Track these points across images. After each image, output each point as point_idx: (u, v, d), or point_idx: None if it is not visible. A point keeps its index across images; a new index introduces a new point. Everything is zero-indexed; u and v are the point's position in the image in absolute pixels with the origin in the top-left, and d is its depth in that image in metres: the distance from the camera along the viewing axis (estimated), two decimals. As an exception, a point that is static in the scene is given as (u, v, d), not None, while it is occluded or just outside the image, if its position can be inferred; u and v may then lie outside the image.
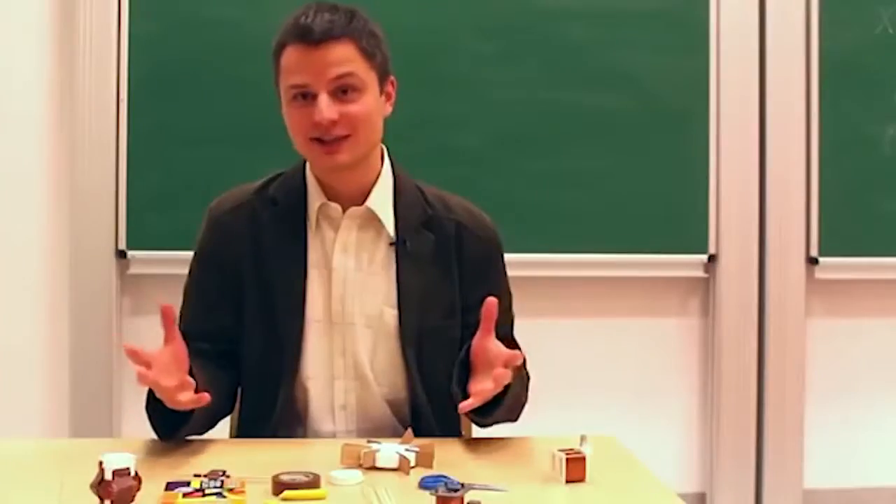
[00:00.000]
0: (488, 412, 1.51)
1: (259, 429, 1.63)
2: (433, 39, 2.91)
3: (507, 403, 1.52)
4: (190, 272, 1.71)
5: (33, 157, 2.90)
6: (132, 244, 2.85)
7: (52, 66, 2.89)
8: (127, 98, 2.82)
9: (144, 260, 2.86)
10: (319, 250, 1.64)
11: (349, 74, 1.54)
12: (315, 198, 1.64)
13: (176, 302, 1.69)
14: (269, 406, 1.61)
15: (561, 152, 2.98)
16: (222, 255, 1.65)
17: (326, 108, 1.53)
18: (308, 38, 1.53)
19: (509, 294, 1.75)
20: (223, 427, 1.74)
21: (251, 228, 1.64)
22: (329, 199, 1.64)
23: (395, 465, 1.40)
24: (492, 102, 2.95)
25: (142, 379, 1.34)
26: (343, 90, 1.55)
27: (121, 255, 2.85)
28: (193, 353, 1.50)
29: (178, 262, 2.56)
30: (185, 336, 1.57)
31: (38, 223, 2.91)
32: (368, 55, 1.57)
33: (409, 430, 1.50)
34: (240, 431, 1.72)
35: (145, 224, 2.84)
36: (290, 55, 1.55)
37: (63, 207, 2.88)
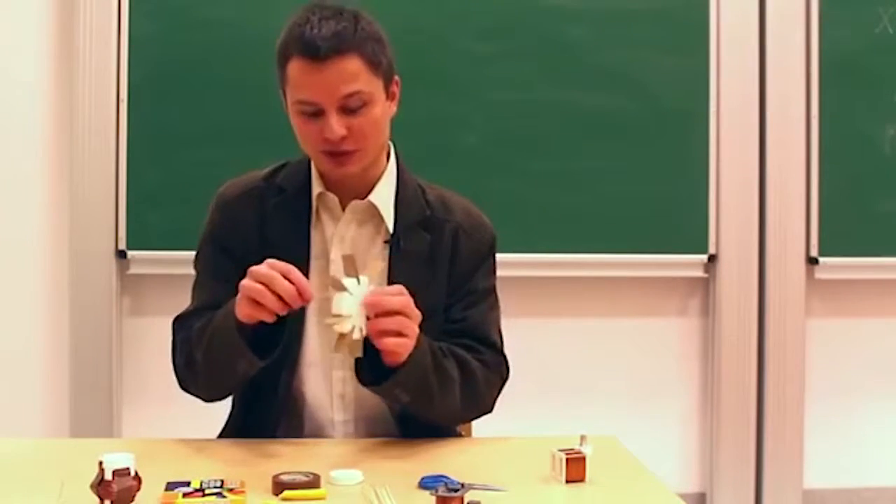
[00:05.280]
0: (384, 378, 1.48)
1: (261, 415, 1.63)
2: (433, 39, 2.91)
3: (408, 376, 1.48)
4: (199, 252, 1.71)
5: (33, 157, 2.91)
6: (132, 244, 2.85)
7: (52, 66, 2.89)
8: (127, 98, 2.82)
9: (144, 260, 2.86)
10: (320, 241, 1.65)
11: (357, 93, 1.53)
12: (316, 187, 1.65)
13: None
14: (272, 392, 1.61)
15: (561, 152, 2.98)
16: (230, 238, 1.65)
17: (336, 125, 1.52)
18: (314, 54, 1.50)
19: (493, 295, 1.74)
20: (221, 424, 1.74)
21: (258, 215, 1.65)
22: (330, 190, 1.64)
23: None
24: (492, 102, 2.95)
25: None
26: (351, 107, 1.54)
27: (121, 255, 2.86)
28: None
29: (178, 262, 2.57)
30: (203, 309, 1.58)
31: (38, 223, 2.92)
32: (374, 64, 1.55)
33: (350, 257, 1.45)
34: (241, 417, 1.70)
35: (145, 224, 2.84)
36: (296, 69, 1.53)
37: (63, 207, 2.88)
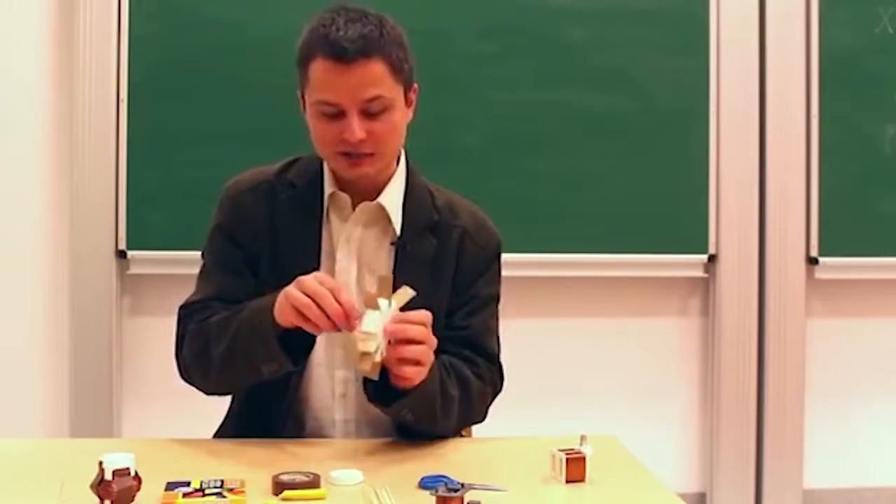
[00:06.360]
0: (393, 401, 1.49)
1: (268, 414, 1.63)
2: (433, 39, 2.90)
3: (416, 400, 1.49)
4: (208, 242, 1.70)
5: (33, 157, 2.90)
6: (132, 244, 2.85)
7: (52, 66, 2.89)
8: (127, 98, 2.82)
9: (144, 260, 2.86)
10: (328, 239, 1.65)
11: (379, 97, 1.54)
12: (329, 186, 1.65)
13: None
14: (280, 392, 1.61)
15: (561, 152, 2.98)
16: (239, 230, 1.65)
17: (357, 128, 1.53)
18: (340, 56, 1.50)
19: (495, 302, 1.74)
20: (220, 418, 1.74)
21: (267, 209, 1.65)
22: (341, 189, 1.64)
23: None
24: (492, 102, 2.95)
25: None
26: (372, 110, 1.54)
27: (121, 255, 2.85)
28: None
29: (178, 262, 2.58)
30: (213, 300, 1.59)
31: (38, 223, 2.92)
32: (397, 70, 1.56)
33: (386, 278, 1.46)
34: (245, 415, 1.70)
35: (145, 224, 2.84)
36: (320, 70, 1.53)
37: (63, 207, 2.88)
